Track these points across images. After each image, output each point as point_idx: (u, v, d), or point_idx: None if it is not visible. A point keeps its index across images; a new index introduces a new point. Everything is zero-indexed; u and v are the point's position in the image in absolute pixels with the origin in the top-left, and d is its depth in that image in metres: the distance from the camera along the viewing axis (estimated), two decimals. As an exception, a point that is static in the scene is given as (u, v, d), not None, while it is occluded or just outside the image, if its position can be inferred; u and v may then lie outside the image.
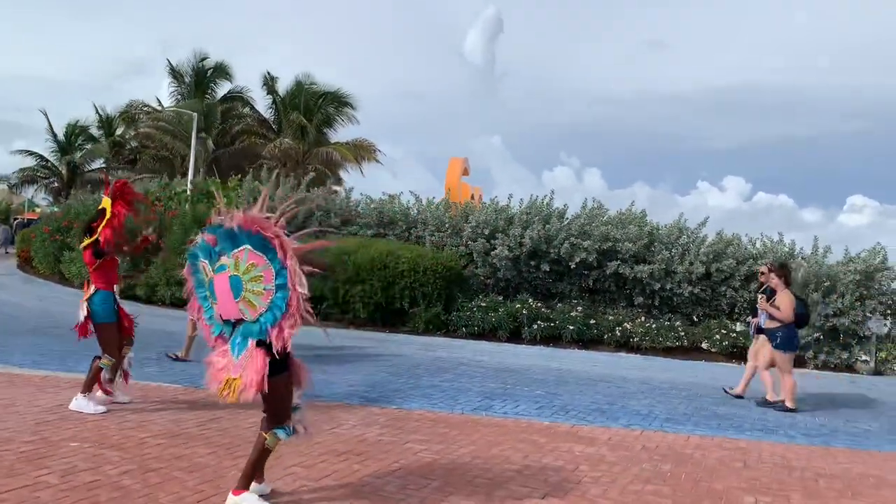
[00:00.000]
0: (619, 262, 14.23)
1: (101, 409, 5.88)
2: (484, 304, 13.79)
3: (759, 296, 8.86)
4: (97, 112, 37.76)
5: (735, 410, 8.18)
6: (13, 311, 13.20)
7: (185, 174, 26.33)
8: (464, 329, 13.57)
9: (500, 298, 14.13)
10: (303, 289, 3.74)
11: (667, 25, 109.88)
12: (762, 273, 9.19)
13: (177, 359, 8.58)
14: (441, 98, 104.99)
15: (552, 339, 13.55)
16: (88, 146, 38.25)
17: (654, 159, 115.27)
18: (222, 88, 35.95)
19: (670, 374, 10.86)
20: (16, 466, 4.39)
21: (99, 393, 6.02)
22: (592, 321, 13.69)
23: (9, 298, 15.34)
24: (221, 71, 35.39)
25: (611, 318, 13.86)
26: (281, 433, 3.99)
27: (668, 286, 14.16)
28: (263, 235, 3.76)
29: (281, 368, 3.92)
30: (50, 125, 37.96)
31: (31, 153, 38.43)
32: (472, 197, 20.20)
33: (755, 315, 9.05)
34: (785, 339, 8.35)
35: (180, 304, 14.33)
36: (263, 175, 17.28)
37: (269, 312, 3.84)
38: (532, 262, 14.48)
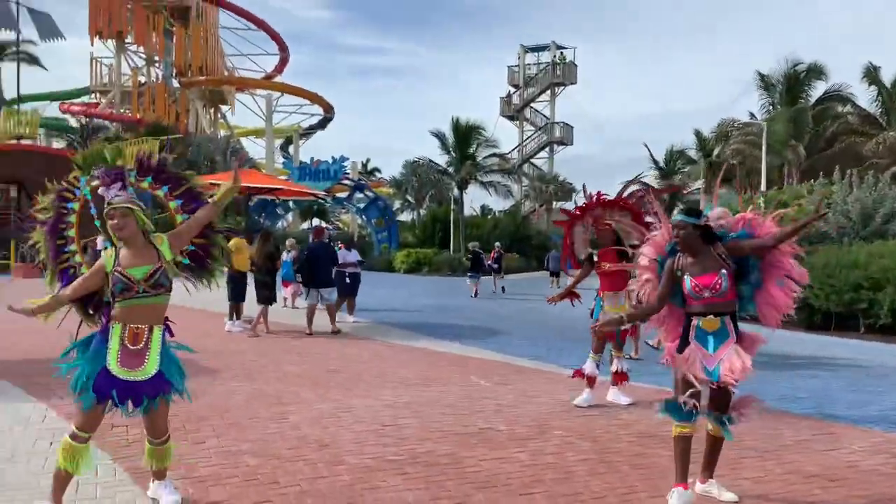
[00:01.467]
0: None
1: (627, 400, 6.66)
2: None
3: None
4: (695, 135, 40.07)
5: None
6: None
7: (780, 186, 25.78)
8: None
9: None
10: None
11: None
12: None
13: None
14: None
15: None
16: (686, 169, 40.81)
17: None
18: (816, 91, 33.92)
19: None
20: (505, 443, 5.36)
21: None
22: None
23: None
24: (815, 72, 33.42)
25: None
26: (660, 411, 4.09)
27: None
28: None
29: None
30: (650, 154, 41.98)
31: (637, 181, 43.08)
32: None
33: None
34: None
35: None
36: (835, 177, 15.78)
37: None
38: None
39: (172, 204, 4.16)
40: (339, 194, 40.88)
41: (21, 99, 43.67)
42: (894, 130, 28.62)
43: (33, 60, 46.14)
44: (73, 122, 52.94)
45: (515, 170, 46.01)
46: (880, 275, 12.20)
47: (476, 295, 20.82)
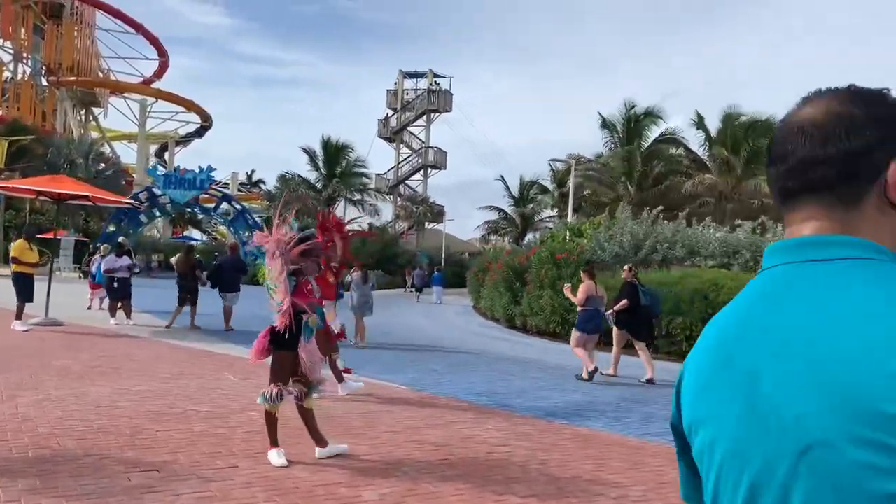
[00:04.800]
0: None
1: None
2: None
3: None
4: (550, 167, 42.85)
5: None
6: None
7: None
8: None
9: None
10: (276, 294, 4.94)
11: None
12: None
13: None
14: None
15: None
16: (538, 197, 43.53)
17: None
18: (654, 133, 37.24)
19: None
20: (193, 419, 6.38)
21: None
22: None
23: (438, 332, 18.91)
24: (651, 116, 36.67)
25: None
26: (259, 399, 5.19)
27: None
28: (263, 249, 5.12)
29: (284, 346, 5.11)
30: (505, 184, 44.53)
31: (494, 208, 45.60)
32: None
33: None
34: None
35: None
36: (618, 212, 17.89)
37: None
38: None
39: None
40: (206, 205, 40.91)
41: None
42: (711, 174, 32.03)
43: None
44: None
45: (387, 190, 47.33)
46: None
47: None
